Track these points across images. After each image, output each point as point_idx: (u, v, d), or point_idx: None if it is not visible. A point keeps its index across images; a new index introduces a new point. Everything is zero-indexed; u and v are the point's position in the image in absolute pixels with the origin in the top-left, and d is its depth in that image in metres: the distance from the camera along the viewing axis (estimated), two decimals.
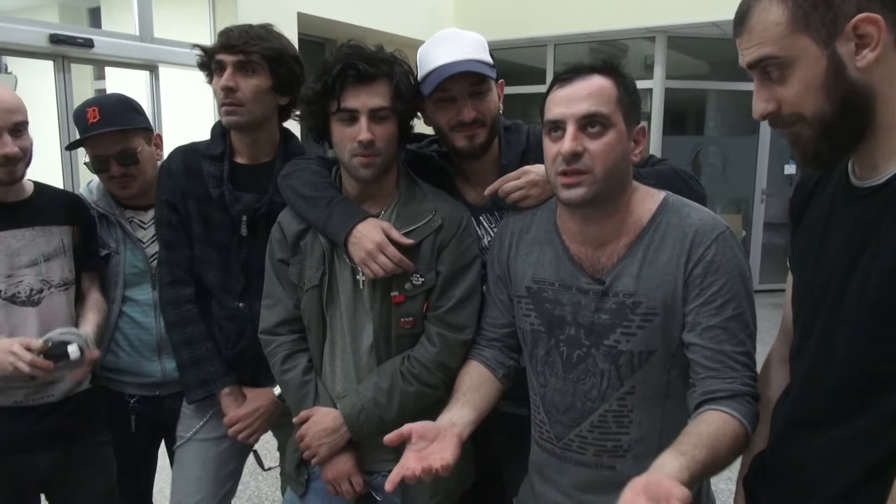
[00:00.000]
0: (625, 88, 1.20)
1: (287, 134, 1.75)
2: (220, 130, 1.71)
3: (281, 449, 1.85)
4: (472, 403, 1.32)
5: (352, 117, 1.36)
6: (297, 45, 6.09)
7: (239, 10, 4.95)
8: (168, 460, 1.94)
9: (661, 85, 6.83)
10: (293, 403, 1.52)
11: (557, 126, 1.19)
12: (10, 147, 1.55)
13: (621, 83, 1.20)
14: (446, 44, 1.47)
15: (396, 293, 1.41)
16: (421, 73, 1.48)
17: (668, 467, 0.99)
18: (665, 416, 1.25)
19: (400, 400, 1.41)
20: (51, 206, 1.72)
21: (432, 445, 1.18)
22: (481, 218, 1.56)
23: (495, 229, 1.52)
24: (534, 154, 1.49)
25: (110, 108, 1.77)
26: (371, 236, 1.36)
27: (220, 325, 1.71)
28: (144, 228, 1.85)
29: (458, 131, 1.47)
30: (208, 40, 5.91)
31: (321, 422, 1.45)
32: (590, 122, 1.17)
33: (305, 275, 1.46)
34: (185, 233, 1.71)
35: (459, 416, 1.28)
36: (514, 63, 7.61)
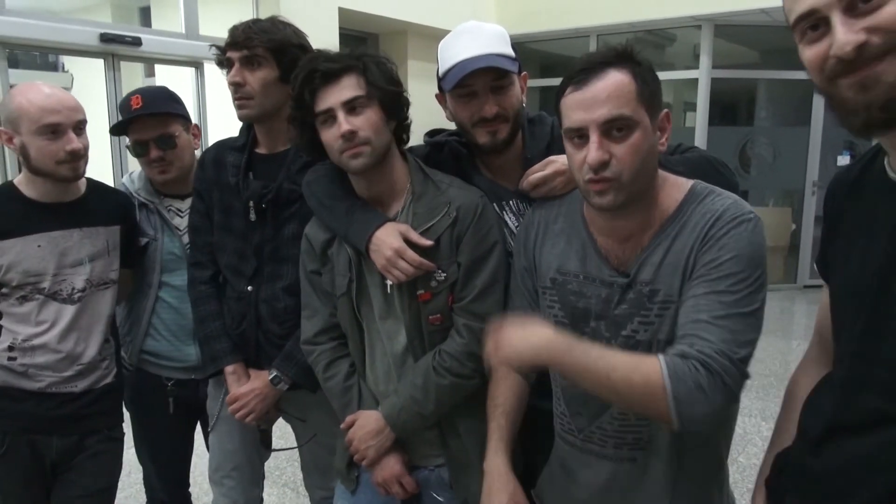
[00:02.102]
0: (643, 79, 1.13)
1: None
2: (247, 123, 1.78)
3: (294, 431, 1.90)
4: (512, 428, 1.35)
5: (330, 116, 1.37)
6: (337, 40, 6.13)
7: (282, 6, 5.01)
8: (204, 442, 2.02)
9: (708, 74, 6.66)
10: (339, 409, 1.55)
11: (580, 133, 1.14)
12: (76, 143, 1.63)
13: (639, 74, 1.13)
14: (466, 37, 1.45)
15: (423, 291, 1.42)
16: (441, 68, 1.47)
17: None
18: None
19: (436, 394, 1.42)
20: (100, 205, 1.79)
21: None
22: (511, 202, 1.53)
23: (524, 215, 1.50)
24: (558, 146, 1.43)
25: (152, 96, 1.87)
26: (389, 242, 1.37)
27: (229, 305, 1.78)
28: (181, 216, 1.92)
29: (480, 127, 1.45)
30: None
31: (365, 425, 1.47)
32: (614, 127, 1.11)
33: (336, 282, 1.48)
34: (209, 219, 1.79)
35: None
36: (555, 54, 7.52)
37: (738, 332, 1.07)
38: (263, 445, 1.92)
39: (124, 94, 4.58)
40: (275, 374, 1.71)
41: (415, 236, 1.38)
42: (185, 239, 1.90)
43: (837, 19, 0.82)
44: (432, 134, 1.65)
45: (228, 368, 1.76)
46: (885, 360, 0.89)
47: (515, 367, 1.21)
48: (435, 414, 1.44)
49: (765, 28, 6.51)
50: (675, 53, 7.51)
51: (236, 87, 1.64)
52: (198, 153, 1.94)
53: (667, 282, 1.16)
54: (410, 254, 1.36)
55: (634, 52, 1.16)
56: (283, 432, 2.05)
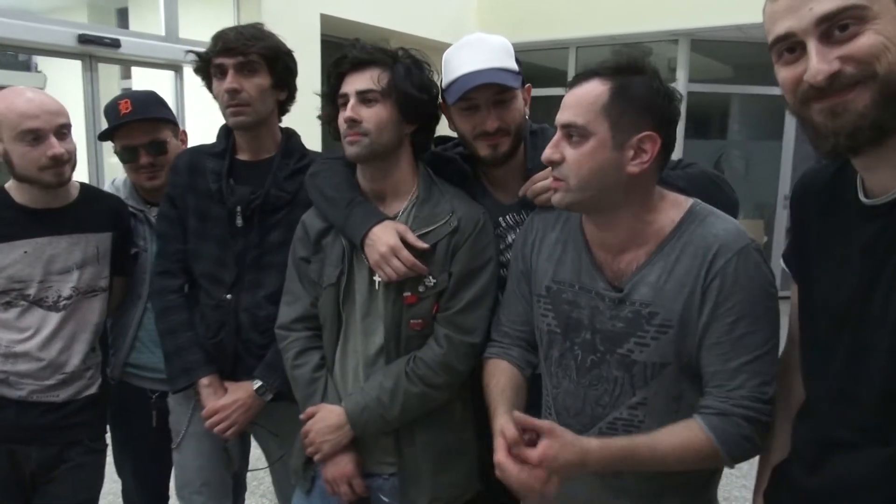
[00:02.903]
0: (620, 95, 1.13)
1: (289, 132, 1.79)
2: (225, 130, 1.76)
3: (263, 447, 1.86)
4: (518, 405, 1.31)
5: (346, 102, 1.41)
6: (319, 47, 6.11)
7: (263, 11, 5.00)
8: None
9: (685, 88, 6.77)
10: (301, 399, 1.53)
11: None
12: (58, 148, 1.59)
13: (620, 89, 1.14)
14: (470, 50, 1.46)
15: (409, 294, 1.42)
16: (445, 80, 1.48)
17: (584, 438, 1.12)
18: None
19: (403, 400, 1.41)
20: (92, 212, 1.75)
21: None
22: (508, 217, 1.55)
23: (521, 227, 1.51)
24: None
25: (141, 101, 1.84)
26: (385, 239, 1.37)
27: (203, 313, 1.72)
28: None
29: (481, 140, 1.46)
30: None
31: (326, 418, 1.46)
32: (569, 132, 1.16)
33: (324, 273, 1.48)
34: (181, 227, 1.74)
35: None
36: (535, 65, 7.59)
37: (764, 372, 1.13)
38: (225, 466, 1.86)
39: (102, 97, 4.52)
40: (260, 383, 1.67)
41: (412, 237, 1.39)
42: None
43: (813, 46, 0.85)
44: (437, 142, 1.65)
45: (203, 381, 1.70)
46: (869, 381, 0.91)
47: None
48: (398, 420, 1.43)
49: (739, 44, 6.64)
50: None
51: (233, 94, 1.62)
52: None
53: (667, 306, 1.16)
54: (405, 253, 1.36)
55: (641, 66, 1.16)
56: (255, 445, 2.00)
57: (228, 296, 1.69)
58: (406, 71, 1.42)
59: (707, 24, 6.21)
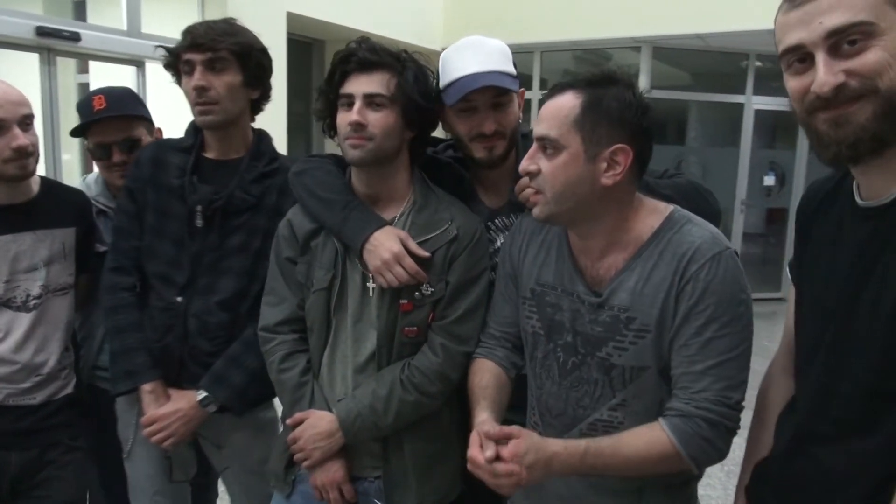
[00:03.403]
0: (592, 108, 1.15)
1: (261, 133, 1.74)
2: (194, 126, 1.71)
3: (209, 458, 1.79)
4: (498, 406, 1.31)
5: (349, 102, 1.38)
6: (285, 45, 6.05)
7: (228, 6, 4.94)
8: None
9: (647, 94, 6.91)
10: (287, 404, 1.50)
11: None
12: (22, 139, 1.53)
13: (592, 102, 1.16)
14: (470, 53, 1.46)
15: (405, 301, 1.40)
16: (443, 81, 1.47)
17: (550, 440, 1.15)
18: None
19: (397, 408, 1.40)
20: (55, 207, 1.70)
21: None
22: (497, 220, 1.55)
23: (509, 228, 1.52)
24: None
25: (116, 97, 1.80)
26: (388, 245, 1.35)
27: (151, 314, 1.65)
28: None
29: (478, 142, 1.46)
30: None
31: (317, 425, 1.43)
32: (543, 145, 1.18)
33: (314, 275, 1.45)
34: (138, 222, 1.67)
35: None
36: None
37: (730, 377, 1.14)
38: (167, 476, 1.73)
39: (59, 91, 4.40)
40: (205, 395, 1.60)
41: (413, 245, 1.38)
42: None
43: (821, 58, 0.89)
44: (430, 144, 1.63)
45: (146, 387, 1.62)
46: (851, 376, 0.95)
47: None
48: (391, 428, 1.42)
49: (699, 52, 6.81)
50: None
51: (200, 92, 1.56)
52: None
53: (645, 311, 1.18)
54: (408, 261, 1.35)
55: (611, 78, 1.19)
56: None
57: (179, 298, 1.62)
58: (414, 78, 1.40)
59: (669, 32, 6.35)
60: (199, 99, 1.58)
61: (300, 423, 1.45)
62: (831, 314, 0.99)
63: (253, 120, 1.73)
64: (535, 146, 1.20)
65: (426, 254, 1.38)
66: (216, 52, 1.56)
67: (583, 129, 1.15)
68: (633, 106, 1.18)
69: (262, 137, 1.73)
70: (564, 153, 1.16)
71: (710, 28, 6.11)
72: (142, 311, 1.67)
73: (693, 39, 6.44)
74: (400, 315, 1.41)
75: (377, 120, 1.37)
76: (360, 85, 1.37)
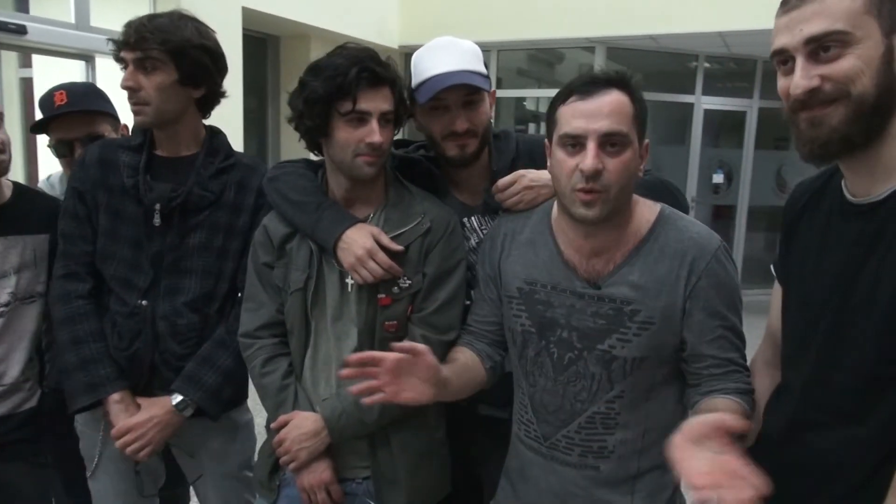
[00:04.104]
0: (639, 105, 1.22)
1: (214, 130, 1.70)
2: None
3: (181, 467, 1.76)
4: (456, 374, 1.33)
5: (361, 118, 1.36)
6: (241, 40, 5.95)
7: (182, 2, 4.85)
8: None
9: None
10: (270, 408, 1.49)
11: (577, 141, 1.18)
12: None
13: (636, 99, 1.21)
14: (442, 52, 1.48)
15: (384, 295, 1.41)
16: (415, 81, 1.49)
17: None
18: (648, 416, 1.29)
19: (382, 403, 1.39)
20: (28, 212, 1.64)
21: (410, 380, 1.21)
22: (473, 219, 1.58)
23: (485, 230, 1.55)
24: (523, 161, 1.53)
25: (78, 92, 1.75)
26: (361, 242, 1.36)
27: (115, 321, 1.58)
28: None
29: (450, 140, 1.49)
30: None
31: (302, 425, 1.42)
32: (610, 141, 1.17)
33: (290, 278, 1.45)
34: (90, 226, 1.61)
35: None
36: None
37: (742, 348, 1.25)
38: (138, 491, 1.67)
39: (1, 86, 4.25)
40: (180, 398, 1.56)
41: (386, 240, 1.38)
42: None
43: (799, 63, 0.96)
44: (398, 145, 1.65)
45: (115, 397, 1.55)
46: (845, 365, 0.99)
47: None
48: (376, 423, 1.42)
49: (650, 53, 6.98)
50: (563, 71, 7.93)
51: (130, 92, 1.52)
52: None
53: (649, 304, 1.22)
54: (381, 255, 1.36)
55: (631, 80, 1.23)
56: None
57: (143, 302, 1.57)
58: (401, 86, 1.43)
59: (623, 33, 6.48)
60: (131, 99, 1.54)
61: (285, 425, 1.44)
62: (823, 308, 1.03)
63: (206, 116, 1.68)
64: (593, 146, 1.17)
65: (399, 248, 1.40)
66: (145, 52, 1.50)
67: (637, 124, 1.21)
68: (646, 106, 1.26)
69: (216, 134, 1.70)
70: (629, 149, 1.20)
71: (662, 29, 6.28)
72: (101, 319, 1.60)
73: (646, 40, 6.60)
74: (379, 310, 1.41)
75: (388, 136, 1.40)
76: (376, 102, 1.37)
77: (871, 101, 0.94)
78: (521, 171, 1.45)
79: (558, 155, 1.22)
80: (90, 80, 4.69)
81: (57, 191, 1.84)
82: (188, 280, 1.59)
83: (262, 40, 6.48)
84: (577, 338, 1.27)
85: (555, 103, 1.25)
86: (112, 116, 1.82)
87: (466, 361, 1.39)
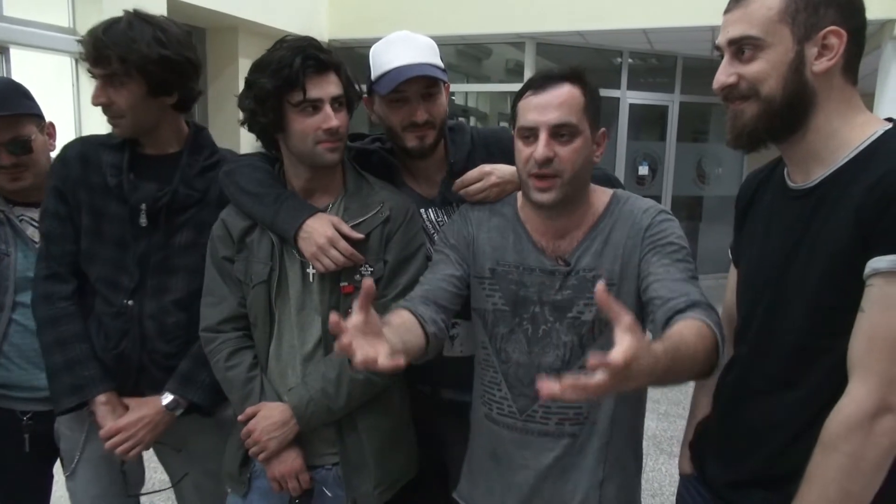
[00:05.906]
0: (591, 97, 1.31)
1: (197, 126, 1.68)
2: None
3: (165, 466, 1.76)
4: (399, 337, 1.16)
5: (314, 106, 1.38)
6: None
7: None
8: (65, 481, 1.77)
9: None
10: (237, 401, 1.49)
11: (531, 132, 1.29)
12: None
13: (588, 92, 1.30)
14: (401, 46, 1.51)
15: (346, 284, 1.43)
16: (374, 73, 1.51)
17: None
18: None
19: (348, 389, 1.42)
20: None
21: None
22: (430, 211, 1.61)
23: (441, 223, 1.58)
24: (479, 153, 1.59)
25: None
26: (321, 231, 1.38)
27: (101, 321, 1.58)
28: (37, 227, 1.69)
29: (409, 131, 1.52)
30: (66, 21, 5.43)
31: (270, 416, 1.43)
32: (559, 132, 1.27)
33: (252, 271, 1.45)
34: (72, 225, 1.58)
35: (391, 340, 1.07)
36: None
37: (696, 278, 1.28)
38: (124, 490, 1.68)
39: None
40: (172, 398, 1.56)
41: (346, 228, 1.41)
42: None
43: (724, 60, 1.09)
44: (353, 138, 1.66)
45: (102, 398, 1.55)
46: (782, 338, 1.10)
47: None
48: (344, 409, 1.44)
49: (578, 49, 7.18)
50: (491, 66, 8.07)
51: (103, 108, 1.50)
52: (53, 155, 1.70)
53: (608, 268, 1.32)
54: (343, 244, 1.38)
55: (585, 74, 1.31)
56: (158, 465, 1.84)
57: (130, 301, 1.55)
58: (347, 71, 1.45)
59: (551, 28, 6.64)
60: (105, 113, 1.52)
61: (252, 417, 1.45)
62: (765, 285, 1.14)
63: (187, 114, 1.65)
64: (545, 136, 1.26)
65: (360, 235, 1.42)
66: (108, 69, 1.46)
67: (588, 115, 1.30)
68: (600, 97, 1.36)
69: (200, 130, 1.68)
70: (580, 137, 1.29)
71: (589, 26, 6.47)
72: (85, 320, 1.58)
73: (574, 36, 6.78)
74: (342, 298, 1.43)
75: (343, 120, 1.42)
76: (325, 88, 1.39)
77: (779, 101, 1.06)
78: (488, 168, 1.50)
79: (518, 145, 1.33)
80: (5, 74, 4.47)
81: None
82: (175, 279, 1.57)
83: (188, 33, 6.30)
84: (549, 311, 1.35)
85: (516, 99, 1.35)
86: (37, 116, 1.72)
87: (404, 322, 1.27)
